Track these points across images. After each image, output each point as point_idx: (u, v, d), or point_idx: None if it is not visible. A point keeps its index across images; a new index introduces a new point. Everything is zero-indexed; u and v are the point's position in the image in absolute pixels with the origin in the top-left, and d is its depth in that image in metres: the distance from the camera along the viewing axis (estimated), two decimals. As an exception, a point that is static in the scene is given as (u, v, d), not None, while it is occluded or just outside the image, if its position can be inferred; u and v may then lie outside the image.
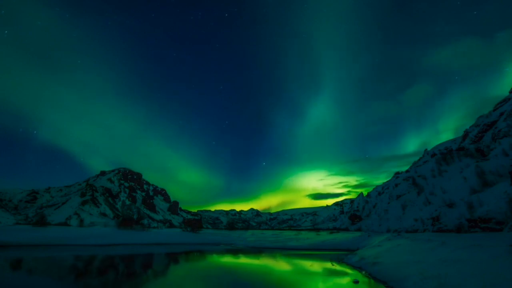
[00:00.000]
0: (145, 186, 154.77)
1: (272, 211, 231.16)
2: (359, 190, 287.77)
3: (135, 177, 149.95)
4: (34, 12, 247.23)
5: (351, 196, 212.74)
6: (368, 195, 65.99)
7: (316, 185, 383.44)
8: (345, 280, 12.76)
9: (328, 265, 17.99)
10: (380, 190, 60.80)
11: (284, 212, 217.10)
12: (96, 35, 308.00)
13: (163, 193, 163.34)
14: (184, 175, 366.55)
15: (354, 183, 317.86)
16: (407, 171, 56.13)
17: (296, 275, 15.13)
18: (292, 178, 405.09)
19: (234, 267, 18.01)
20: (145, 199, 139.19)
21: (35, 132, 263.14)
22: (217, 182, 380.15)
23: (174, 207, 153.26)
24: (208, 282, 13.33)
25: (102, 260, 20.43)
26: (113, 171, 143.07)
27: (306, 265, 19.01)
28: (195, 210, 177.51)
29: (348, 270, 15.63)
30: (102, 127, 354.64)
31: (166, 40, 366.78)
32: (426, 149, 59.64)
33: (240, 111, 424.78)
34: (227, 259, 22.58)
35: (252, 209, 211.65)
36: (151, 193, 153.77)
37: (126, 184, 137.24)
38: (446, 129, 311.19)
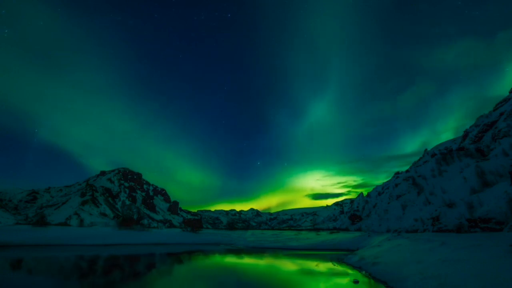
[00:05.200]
0: (145, 186, 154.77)
1: (272, 211, 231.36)
2: (359, 190, 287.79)
3: (135, 177, 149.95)
4: (34, 12, 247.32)
5: (351, 196, 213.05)
6: (368, 195, 65.97)
7: (316, 185, 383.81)
8: (345, 280, 12.75)
9: (328, 265, 17.98)
10: (380, 190, 60.78)
11: (284, 212, 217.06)
12: (96, 35, 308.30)
13: (163, 193, 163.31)
14: (184, 175, 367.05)
15: (354, 183, 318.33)
16: (407, 171, 56.11)
17: (296, 275, 15.13)
18: (292, 178, 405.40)
19: (234, 267, 18.00)
20: (145, 199, 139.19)
21: (35, 132, 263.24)
22: (217, 182, 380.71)
23: (174, 207, 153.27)
24: (208, 282, 13.32)
25: (102, 260, 20.43)
26: (113, 171, 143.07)
27: (306, 265, 19.00)
28: (195, 210, 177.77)
29: (348, 270, 15.62)
30: (102, 127, 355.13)
31: (166, 40, 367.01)
32: (426, 149, 59.65)
33: (240, 111, 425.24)
34: (227, 259, 22.57)
35: (252, 209, 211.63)
36: (151, 193, 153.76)
37: (126, 184, 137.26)
38: (446, 129, 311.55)
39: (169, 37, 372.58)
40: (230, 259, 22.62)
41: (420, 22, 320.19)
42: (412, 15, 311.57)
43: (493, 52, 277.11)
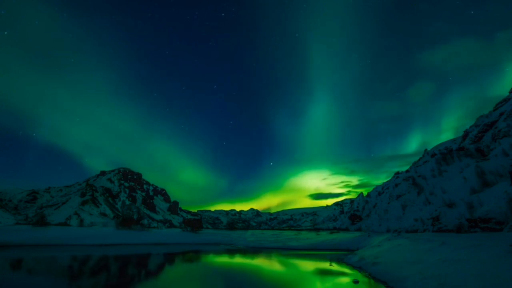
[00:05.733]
0: (145, 186, 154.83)
1: (272, 211, 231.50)
2: (359, 190, 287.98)
3: (135, 177, 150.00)
4: (34, 12, 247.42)
5: (351, 196, 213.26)
6: (368, 195, 65.98)
7: (316, 185, 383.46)
8: (345, 280, 12.76)
9: (328, 265, 17.99)
10: (380, 190, 60.79)
11: (284, 212, 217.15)
12: (96, 35, 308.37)
13: (163, 193, 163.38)
14: (184, 175, 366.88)
15: (354, 183, 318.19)
16: (407, 171, 56.12)
17: (296, 275, 15.13)
18: (292, 178, 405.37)
19: (234, 267, 18.01)
20: (145, 199, 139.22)
21: (34, 132, 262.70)
22: (217, 182, 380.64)
23: (174, 207, 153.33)
24: (209, 282, 13.33)
25: (102, 260, 20.43)
26: (113, 171, 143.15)
27: (306, 265, 19.01)
28: (195, 210, 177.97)
29: (348, 270, 15.62)
30: (102, 127, 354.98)
31: (166, 40, 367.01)
32: (426, 149, 59.66)
33: (241, 110, 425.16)
34: (227, 259, 22.58)
35: (252, 209, 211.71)
36: (151, 193, 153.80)
37: (126, 184, 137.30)
38: (446, 129, 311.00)
39: (169, 37, 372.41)
40: (230, 259, 22.62)
41: (420, 22, 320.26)
42: (412, 15, 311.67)
43: (493, 52, 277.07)
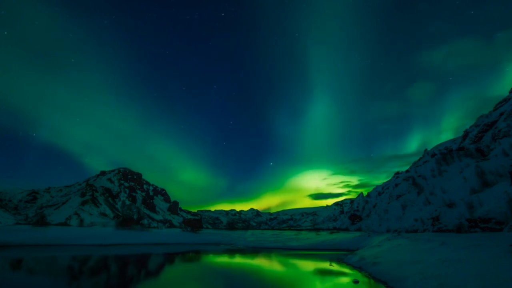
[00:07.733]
0: (145, 186, 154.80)
1: (272, 211, 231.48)
2: (359, 190, 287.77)
3: (135, 177, 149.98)
4: (34, 12, 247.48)
5: (351, 196, 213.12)
6: (368, 195, 65.97)
7: (316, 185, 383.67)
8: (345, 280, 12.76)
9: (328, 265, 17.99)
10: (380, 190, 60.78)
11: (284, 212, 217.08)
12: (95, 35, 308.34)
13: (163, 193, 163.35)
14: (184, 175, 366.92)
15: (354, 183, 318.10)
16: (407, 171, 56.11)
17: (296, 275, 15.13)
18: (292, 178, 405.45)
19: (234, 267, 18.01)
20: (145, 199, 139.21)
21: (34, 132, 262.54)
22: (217, 182, 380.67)
23: (174, 207, 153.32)
24: (209, 282, 13.33)
25: (102, 260, 20.43)
26: (113, 171, 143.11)
27: (306, 265, 19.01)
28: (195, 210, 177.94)
29: (348, 270, 15.62)
30: (102, 127, 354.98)
31: (167, 40, 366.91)
32: (426, 149, 59.67)
33: (241, 111, 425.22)
34: (227, 259, 22.58)
35: (252, 209, 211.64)
36: (151, 193, 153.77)
37: (126, 184, 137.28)
38: (446, 129, 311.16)
39: (169, 37, 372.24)
40: (230, 259, 22.62)
41: (420, 22, 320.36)
42: (412, 15, 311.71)
43: (493, 52, 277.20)
